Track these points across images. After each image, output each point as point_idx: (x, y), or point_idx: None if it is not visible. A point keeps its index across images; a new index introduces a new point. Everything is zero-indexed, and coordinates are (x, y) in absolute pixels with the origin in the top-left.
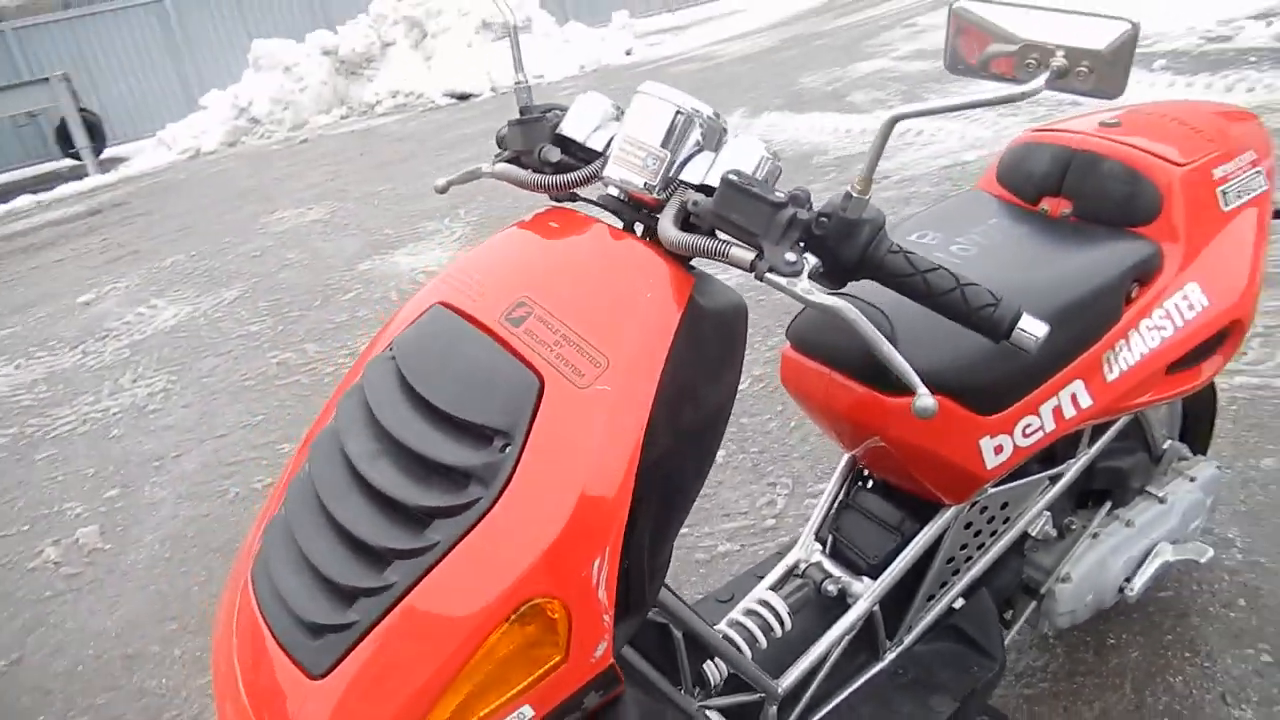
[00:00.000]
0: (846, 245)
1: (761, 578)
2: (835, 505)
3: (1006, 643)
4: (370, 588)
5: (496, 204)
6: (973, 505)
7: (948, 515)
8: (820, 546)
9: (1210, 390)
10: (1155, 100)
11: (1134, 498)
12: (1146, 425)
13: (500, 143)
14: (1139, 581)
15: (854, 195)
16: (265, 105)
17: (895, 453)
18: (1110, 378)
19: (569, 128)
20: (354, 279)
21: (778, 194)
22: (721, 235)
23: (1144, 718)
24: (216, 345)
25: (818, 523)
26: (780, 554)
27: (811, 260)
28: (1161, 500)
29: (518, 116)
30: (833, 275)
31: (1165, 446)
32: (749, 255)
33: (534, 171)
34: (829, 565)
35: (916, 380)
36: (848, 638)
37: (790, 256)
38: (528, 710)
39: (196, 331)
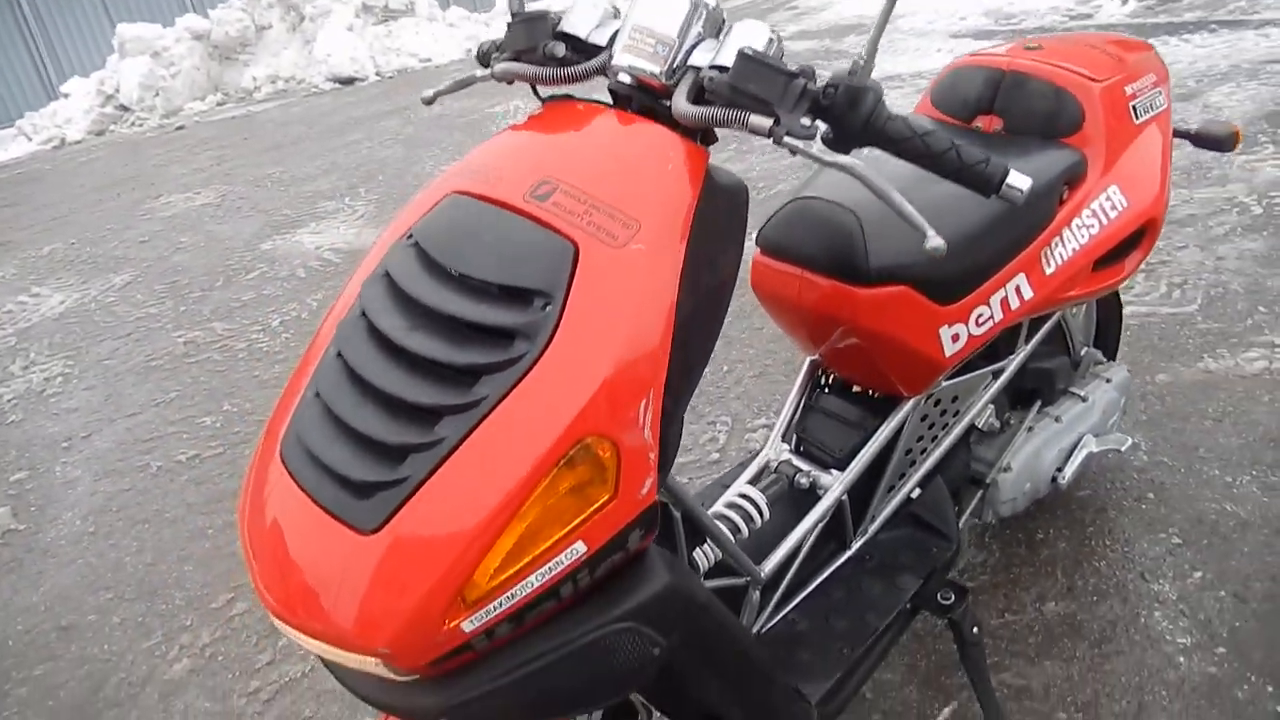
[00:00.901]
0: (853, 112)
1: (728, 487)
2: (800, 408)
3: (960, 526)
4: (421, 443)
5: (397, 184)
6: (928, 398)
7: (906, 408)
8: (788, 447)
9: (1117, 300)
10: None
11: (1059, 398)
12: (1068, 331)
13: (484, 58)
14: (1069, 470)
15: (860, 64)
16: (134, 92)
17: (863, 343)
18: (1048, 271)
19: (571, 24)
20: (256, 258)
21: (790, 66)
22: (736, 107)
23: (1075, 598)
24: (113, 329)
25: (784, 425)
26: (744, 463)
27: (822, 126)
28: (1084, 399)
29: (513, 18)
30: (839, 141)
31: (1083, 352)
32: (767, 122)
33: (538, 67)
34: (798, 462)
35: (925, 224)
36: (820, 526)
37: (805, 121)
38: (580, 546)
39: (89, 316)
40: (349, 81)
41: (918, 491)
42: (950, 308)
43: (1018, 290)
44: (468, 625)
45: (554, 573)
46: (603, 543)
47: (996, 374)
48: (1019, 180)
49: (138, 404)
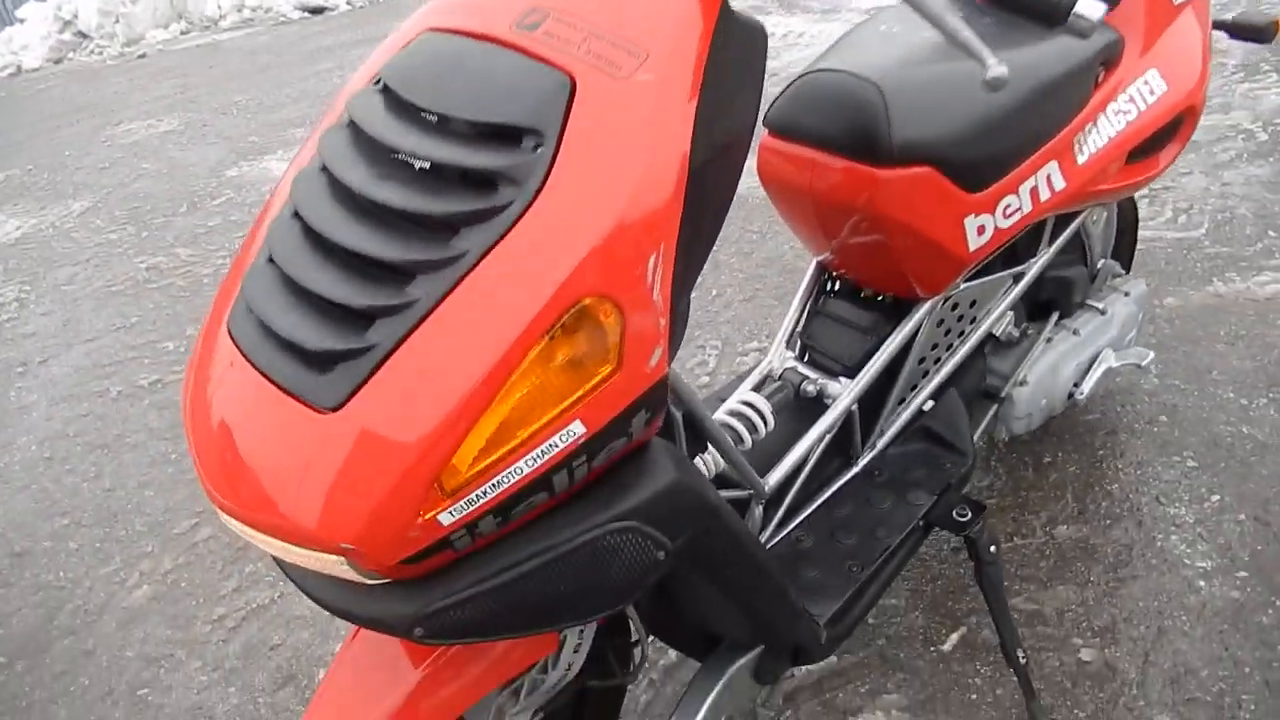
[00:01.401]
0: None
1: (724, 400)
2: (805, 313)
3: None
4: (390, 305)
5: None
6: (945, 302)
7: (921, 312)
8: (792, 354)
9: (1133, 209)
10: None
11: (1077, 311)
12: (1087, 239)
13: None
14: (1088, 385)
15: None
16: (93, 18)
17: (880, 236)
18: (1080, 160)
19: None
20: (222, 185)
21: None
22: None
23: (1088, 521)
24: (72, 255)
25: (788, 332)
26: (743, 375)
27: None
28: (1102, 312)
29: None
30: None
31: (1100, 264)
32: None
33: None
34: (804, 369)
35: (986, 51)
36: (828, 437)
37: None
38: (577, 427)
39: (46, 243)
40: (318, 10)
41: (930, 404)
42: (977, 196)
43: (1048, 180)
44: (446, 518)
45: (546, 458)
46: (603, 424)
47: (1017, 278)
48: (1090, 8)
49: (97, 329)
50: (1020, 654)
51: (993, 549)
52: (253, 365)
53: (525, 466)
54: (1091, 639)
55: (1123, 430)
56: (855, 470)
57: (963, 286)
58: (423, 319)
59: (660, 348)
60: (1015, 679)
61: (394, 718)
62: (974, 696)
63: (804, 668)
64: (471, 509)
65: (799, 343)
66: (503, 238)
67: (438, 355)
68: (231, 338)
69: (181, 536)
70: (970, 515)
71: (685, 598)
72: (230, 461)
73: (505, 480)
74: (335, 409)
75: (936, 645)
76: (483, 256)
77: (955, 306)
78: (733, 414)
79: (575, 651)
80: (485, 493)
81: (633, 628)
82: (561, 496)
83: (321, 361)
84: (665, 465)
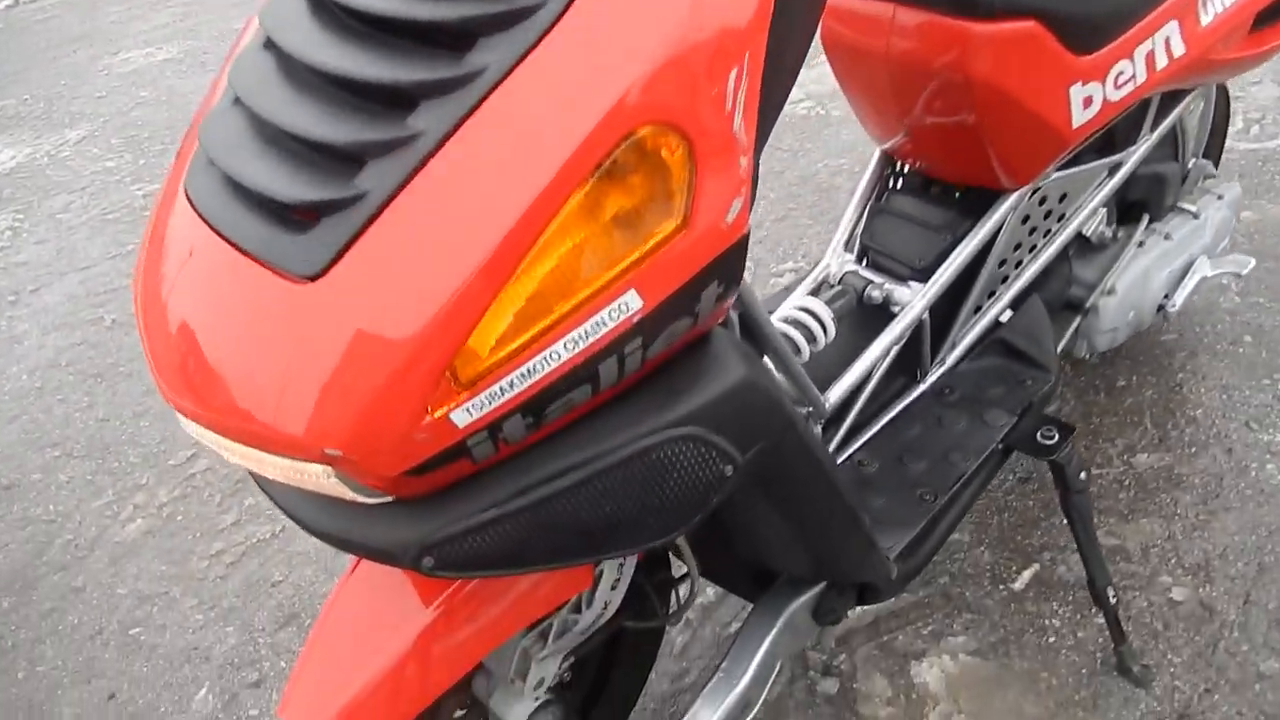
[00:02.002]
0: None
1: (771, 311)
2: (867, 211)
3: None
4: (386, 141)
5: None
6: (1033, 194)
7: (1006, 206)
8: (851, 258)
9: (1226, 104)
10: None
11: (1167, 214)
12: (1182, 133)
13: None
14: (1180, 295)
15: None
16: None
17: (967, 110)
18: (1204, 21)
19: None
20: None
21: None
22: None
23: (1170, 449)
24: (67, 183)
25: (846, 232)
26: (791, 286)
27: None
28: (1195, 215)
29: None
30: None
31: (1192, 164)
32: None
33: None
34: (868, 273)
35: None
36: (895, 349)
37: None
38: (632, 299)
39: (40, 171)
40: None
41: (1008, 314)
42: (1087, 60)
43: (1167, 44)
44: (461, 417)
45: (591, 341)
46: (665, 297)
47: (1113, 169)
48: None
49: (92, 258)
50: (1110, 593)
51: (1082, 476)
52: (215, 231)
53: (563, 351)
54: (1183, 577)
55: (1203, 352)
56: (923, 388)
57: (1054, 176)
58: (427, 158)
59: (741, 198)
60: (1101, 620)
61: (399, 666)
62: (1052, 640)
63: (858, 608)
64: (494, 406)
65: (859, 245)
66: (532, 49)
67: (447, 204)
68: (190, 201)
69: (178, 468)
70: (1057, 438)
71: (741, 526)
72: (188, 351)
73: (537, 369)
74: (316, 277)
75: (1007, 584)
76: (506, 75)
77: (1043, 201)
78: (789, 321)
79: (613, 588)
80: (511, 385)
81: (675, 561)
82: (606, 395)
83: (301, 218)
84: (733, 360)
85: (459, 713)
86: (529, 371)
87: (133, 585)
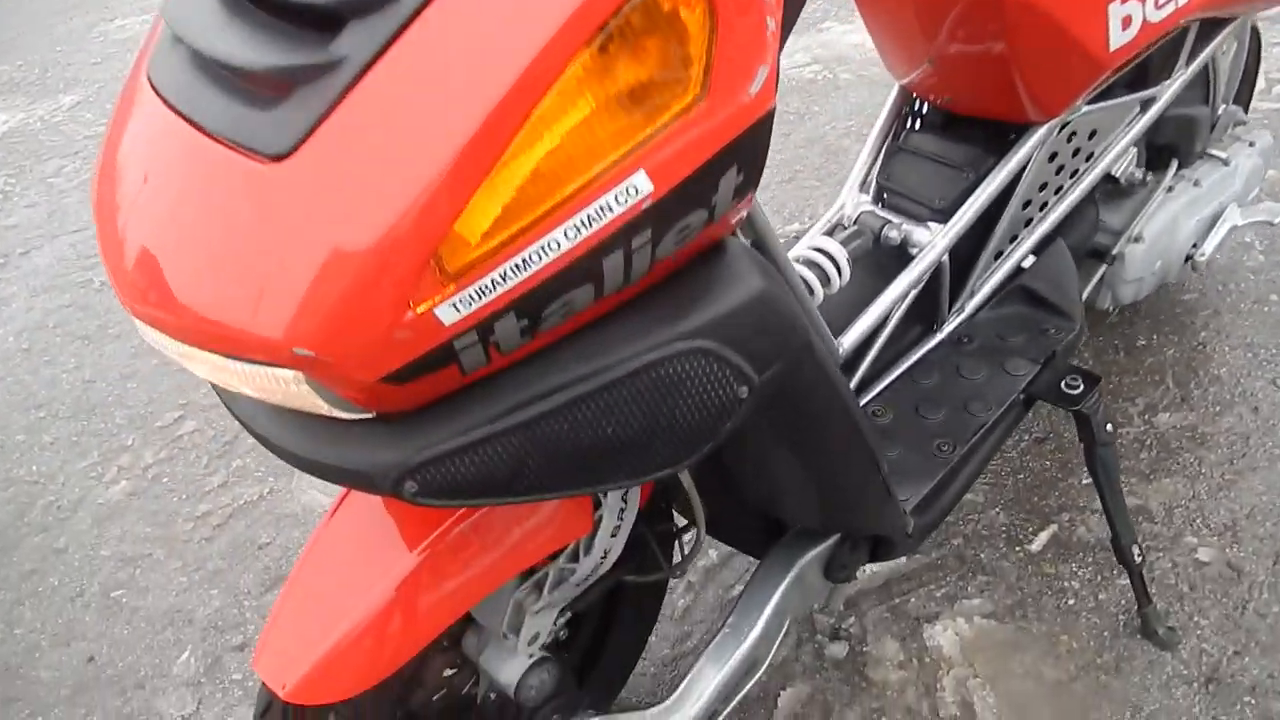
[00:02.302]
0: None
1: None
2: (884, 150)
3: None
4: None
5: None
6: (1061, 130)
7: (1032, 141)
8: (867, 198)
9: (1258, 48)
10: None
11: (1197, 161)
12: (1214, 75)
13: None
14: (1209, 245)
15: None
16: None
17: (998, 33)
18: None
19: None
20: None
21: None
22: None
23: (1193, 408)
24: (60, 148)
25: (862, 173)
26: (804, 230)
27: None
28: (1225, 162)
29: None
30: None
31: (1222, 109)
32: None
33: None
34: (885, 214)
35: None
36: (913, 293)
37: None
38: (642, 182)
39: (34, 136)
40: None
41: (1030, 259)
42: None
43: None
44: (448, 313)
45: (594, 230)
46: (679, 181)
47: (1145, 105)
48: None
49: (83, 221)
50: (1135, 551)
51: (1109, 428)
52: (178, 114)
53: (563, 240)
54: (1209, 537)
55: (1227, 311)
56: (940, 337)
57: (1084, 109)
58: (411, 19)
59: (767, 66)
60: (1123, 582)
61: (382, 616)
62: (1071, 602)
63: (867, 569)
64: (484, 302)
65: (874, 186)
66: None
67: (433, 71)
68: (152, 86)
69: (164, 429)
70: (1082, 387)
71: (752, 468)
72: (146, 247)
73: (533, 260)
74: (286, 155)
75: (1023, 545)
76: None
77: (1072, 137)
78: (802, 262)
79: (613, 535)
80: (504, 278)
81: (678, 512)
82: (610, 302)
83: (270, 89)
84: (750, 271)
85: (448, 672)
86: (524, 263)
87: (116, 547)
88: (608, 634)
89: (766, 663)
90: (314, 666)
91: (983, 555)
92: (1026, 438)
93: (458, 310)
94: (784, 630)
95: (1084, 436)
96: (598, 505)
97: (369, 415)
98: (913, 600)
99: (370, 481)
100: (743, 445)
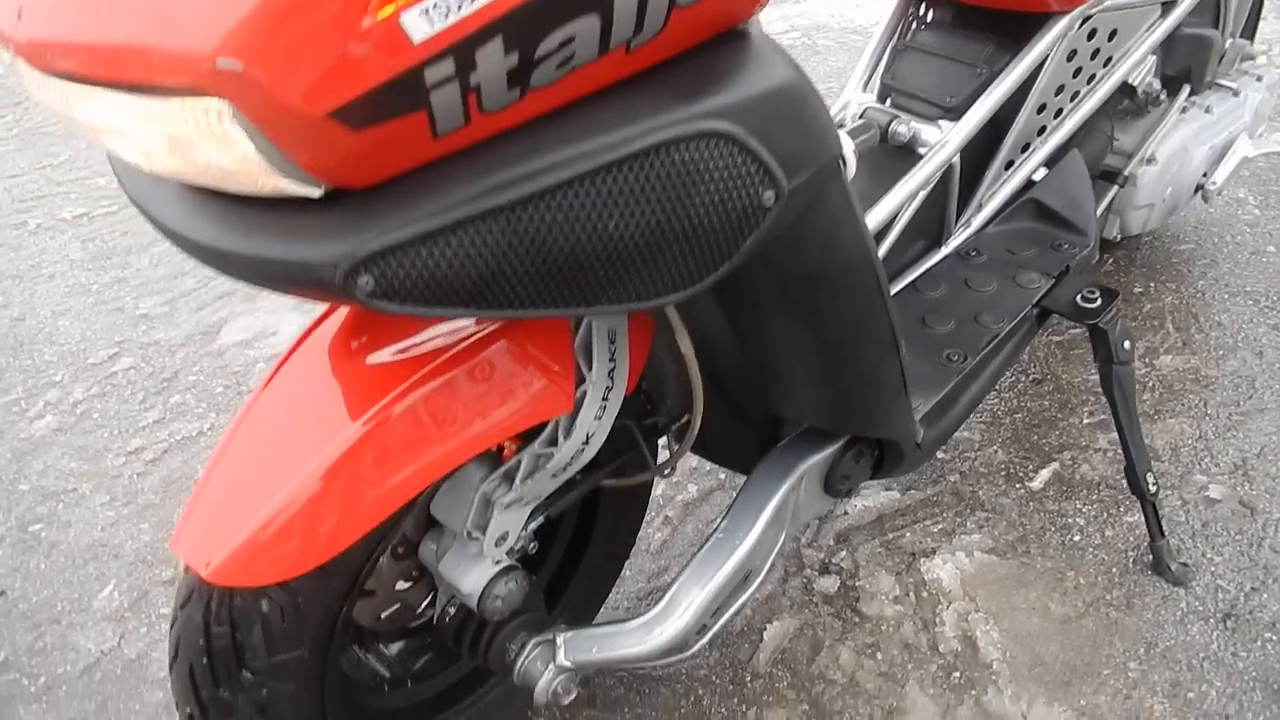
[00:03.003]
0: None
1: None
2: (889, 49)
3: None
4: None
5: None
6: (1080, 26)
7: (1051, 35)
8: (872, 97)
9: None
10: None
11: (1206, 90)
12: (1224, 6)
13: None
14: (1221, 174)
15: None
16: None
17: None
18: None
19: None
20: None
21: None
22: None
23: (1195, 352)
24: (0, 100)
25: (866, 72)
26: None
27: None
28: (1235, 93)
29: None
30: None
31: (1229, 43)
32: None
33: None
34: (893, 110)
35: None
36: (921, 195)
37: None
38: None
39: None
40: None
41: (1041, 172)
42: None
43: None
44: (416, 25)
45: None
46: None
47: (1166, 9)
48: None
49: (20, 167)
50: (1150, 480)
51: (1126, 345)
52: None
53: None
54: (1219, 475)
55: (1224, 261)
56: (945, 252)
57: (1106, 3)
58: None
59: None
60: (1131, 520)
61: (321, 493)
62: (1077, 538)
63: (857, 503)
64: (464, 14)
65: (879, 86)
66: None
67: None
68: None
69: (97, 366)
70: (1100, 301)
71: (756, 343)
72: None
73: None
74: None
75: (1023, 482)
76: None
77: (1092, 35)
78: None
79: (597, 419)
80: None
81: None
82: (617, 64)
83: None
84: (778, 58)
85: (402, 585)
86: None
87: (37, 481)
88: (582, 551)
89: (762, 575)
90: (241, 545)
91: (980, 492)
92: (1024, 378)
93: (430, 21)
94: (779, 544)
95: (1100, 354)
96: (580, 381)
97: (316, 192)
98: (907, 535)
99: (315, 276)
100: (752, 308)
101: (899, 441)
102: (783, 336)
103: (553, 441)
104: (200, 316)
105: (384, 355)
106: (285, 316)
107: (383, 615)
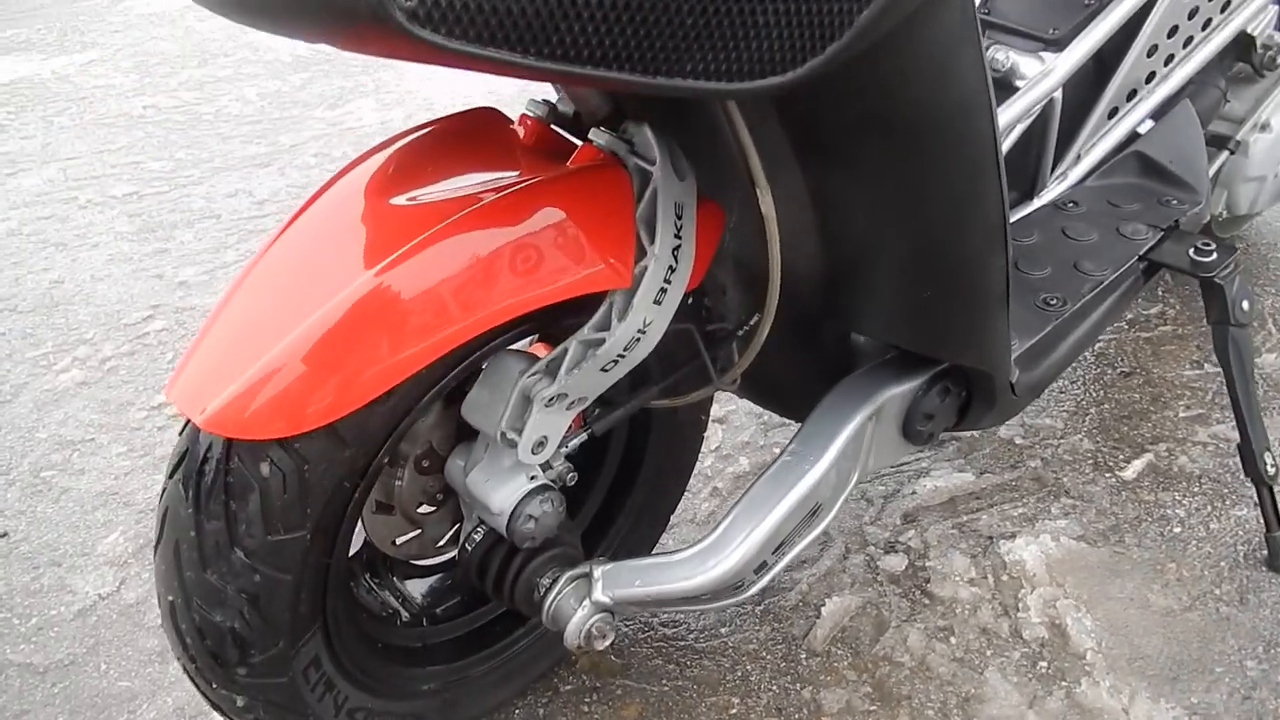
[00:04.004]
0: None
1: None
2: None
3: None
4: None
5: None
6: None
7: None
8: None
9: None
10: None
11: None
12: None
13: None
14: None
15: None
16: None
17: None
18: None
19: None
20: (239, 45)
21: None
22: None
23: None
24: (66, 94)
25: None
26: None
27: None
28: None
29: None
30: None
31: None
32: None
33: None
34: (989, 36)
35: None
36: (1017, 130)
37: None
38: None
39: (42, 84)
40: None
41: (1147, 125)
42: None
43: None
44: None
45: None
46: None
47: None
48: None
49: (78, 151)
50: (1269, 461)
51: (1245, 305)
52: None
53: None
54: None
55: None
56: (1039, 203)
57: None
58: None
59: None
60: (1240, 512)
61: (322, 357)
62: (1177, 530)
63: (926, 483)
64: None
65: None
66: None
67: None
68: None
69: (130, 327)
70: (1216, 254)
71: (846, 225)
72: None
73: None
74: None
75: (1114, 471)
76: None
77: None
78: None
79: (656, 303)
80: None
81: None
82: None
83: None
84: None
85: (424, 509)
86: None
87: (55, 430)
88: (624, 496)
89: (831, 514)
90: (240, 393)
91: (1065, 479)
92: (1110, 371)
93: None
94: (850, 485)
95: (1214, 314)
96: (641, 256)
97: None
98: (983, 518)
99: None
100: (846, 176)
101: (991, 378)
102: (878, 215)
103: (604, 326)
104: None
105: (415, 196)
106: None
107: (398, 540)
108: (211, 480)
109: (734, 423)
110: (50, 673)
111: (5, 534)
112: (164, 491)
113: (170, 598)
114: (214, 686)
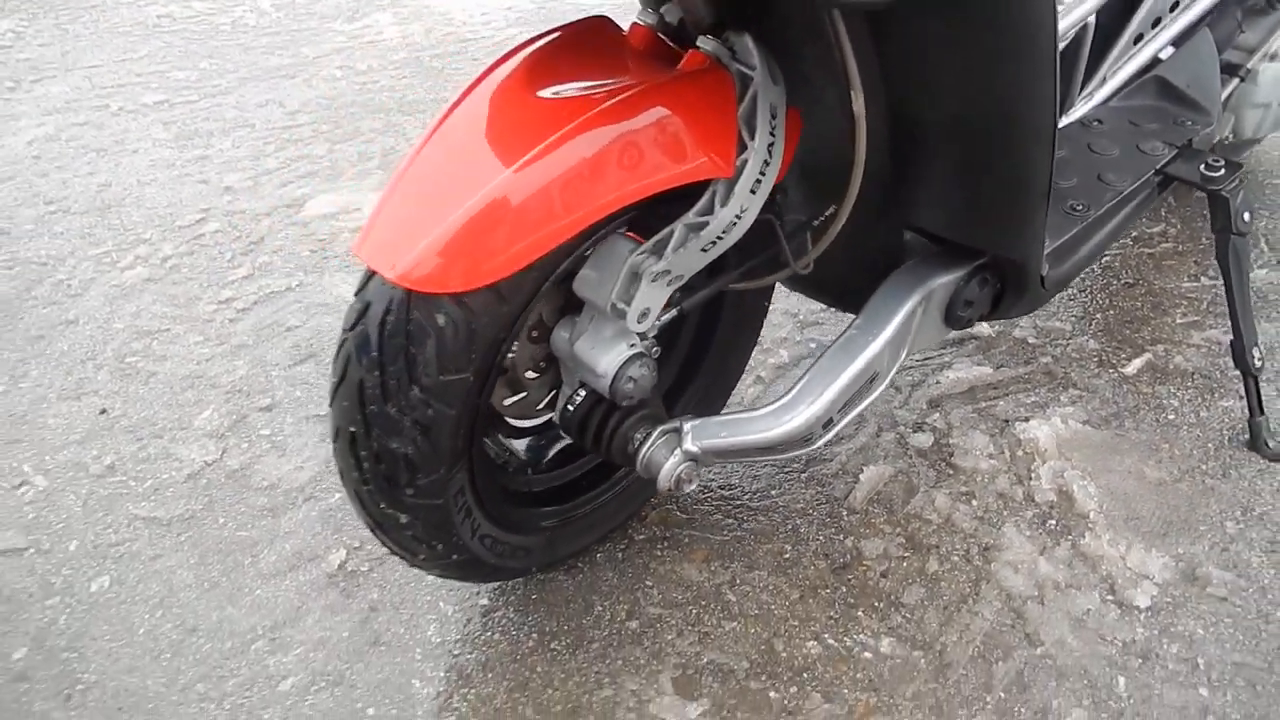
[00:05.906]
0: None
1: None
2: None
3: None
4: None
5: None
6: None
7: None
8: None
9: None
10: None
11: None
12: None
13: None
14: None
15: None
16: None
17: None
18: None
19: None
20: None
21: None
22: None
23: None
24: (76, 1)
25: None
26: None
27: None
28: None
29: None
30: None
31: None
32: None
33: None
34: None
35: None
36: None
37: None
38: None
39: None
40: None
41: (1168, 51)
42: None
43: None
44: None
45: None
46: None
47: None
48: None
49: (99, 60)
50: (1256, 355)
51: (1246, 216)
52: None
53: None
54: None
55: None
56: (1067, 121)
57: None
58: None
59: None
60: (1227, 403)
61: (494, 220)
62: (1171, 417)
63: (948, 374)
64: None
65: None
66: None
67: None
68: None
69: (184, 229)
70: (1224, 170)
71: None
72: None
73: None
74: None
75: (1116, 367)
76: None
77: None
78: None
79: (752, 192)
80: None
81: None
82: None
83: None
84: None
85: (530, 374)
86: None
87: (130, 322)
88: (698, 365)
89: (887, 380)
90: (426, 251)
91: (1073, 373)
92: (1115, 281)
93: None
94: (900, 360)
95: (1218, 224)
96: (741, 150)
97: None
98: (1000, 404)
99: None
100: (921, 65)
101: (1025, 271)
102: (949, 113)
103: (707, 211)
104: (284, 191)
105: (559, 91)
106: (368, 196)
107: (506, 401)
108: (394, 328)
109: (772, 320)
110: (174, 525)
111: (105, 410)
112: (342, 344)
113: (351, 429)
114: (382, 506)
